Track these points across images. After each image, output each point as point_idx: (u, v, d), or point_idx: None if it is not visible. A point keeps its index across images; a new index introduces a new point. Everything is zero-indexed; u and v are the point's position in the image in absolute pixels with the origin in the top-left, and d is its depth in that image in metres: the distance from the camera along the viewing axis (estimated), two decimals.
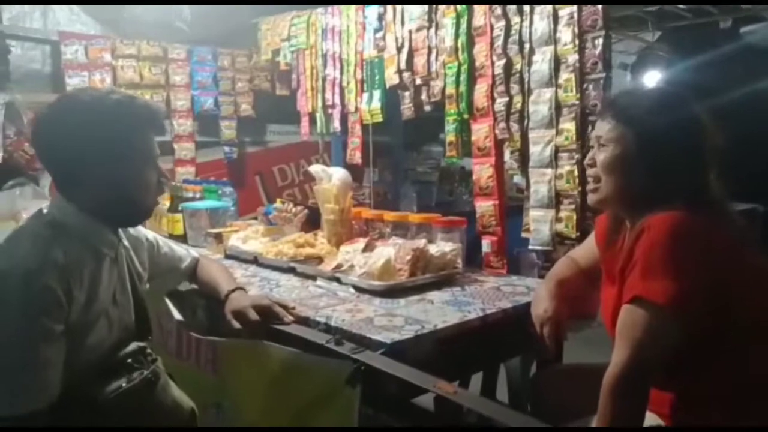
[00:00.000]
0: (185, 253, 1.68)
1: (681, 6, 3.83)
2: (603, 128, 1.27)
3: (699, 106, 1.24)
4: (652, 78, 5.02)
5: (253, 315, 1.45)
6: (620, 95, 1.37)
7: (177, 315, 1.70)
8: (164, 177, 1.33)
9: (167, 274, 1.62)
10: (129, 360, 1.26)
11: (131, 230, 1.45)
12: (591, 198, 1.33)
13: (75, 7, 3.40)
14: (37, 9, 3.28)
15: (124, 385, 1.20)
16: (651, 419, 1.21)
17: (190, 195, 2.77)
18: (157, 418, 1.29)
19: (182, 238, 2.48)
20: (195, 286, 1.71)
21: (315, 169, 2.29)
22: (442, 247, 1.89)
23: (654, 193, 1.19)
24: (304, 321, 1.48)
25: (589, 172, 1.31)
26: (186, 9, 3.73)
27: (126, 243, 1.39)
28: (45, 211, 1.23)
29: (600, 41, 1.82)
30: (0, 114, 2.83)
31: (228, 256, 2.28)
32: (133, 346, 1.30)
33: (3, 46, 3.09)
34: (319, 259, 2.03)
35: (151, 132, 1.29)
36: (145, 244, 1.51)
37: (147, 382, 1.24)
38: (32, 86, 3.17)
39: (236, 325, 1.45)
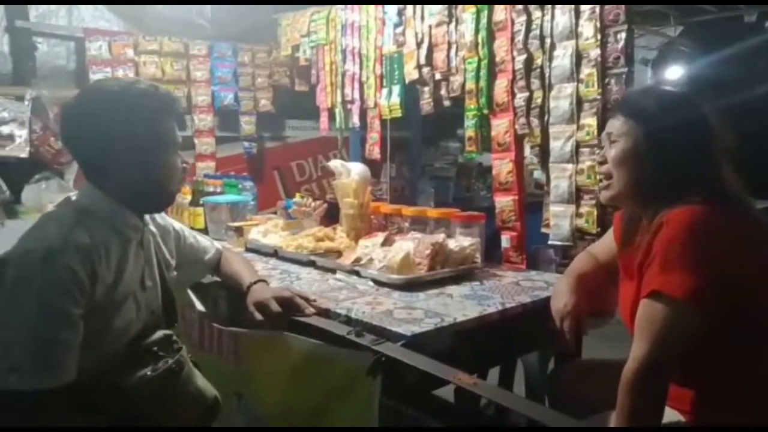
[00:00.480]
0: (209, 244, 1.71)
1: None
2: (613, 125, 1.29)
3: (708, 100, 1.24)
4: (674, 73, 4.94)
5: (275, 306, 1.46)
6: (629, 93, 1.40)
7: (199, 306, 1.73)
8: (185, 163, 1.37)
9: (193, 265, 1.65)
10: (155, 348, 1.28)
11: (159, 219, 1.48)
12: (603, 195, 1.33)
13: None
14: (62, 6, 3.34)
15: (149, 373, 1.23)
16: (671, 415, 1.21)
17: (211, 189, 2.81)
18: (179, 406, 1.32)
19: (203, 232, 2.52)
20: (217, 278, 1.74)
21: (334, 163, 2.31)
22: (461, 241, 1.90)
23: (667, 187, 1.19)
24: (324, 313, 1.50)
25: (601, 169, 1.32)
26: (207, 5, 3.76)
27: (153, 229, 1.42)
28: (73, 198, 1.27)
29: (622, 35, 1.81)
30: (27, 109, 2.88)
31: (248, 250, 2.31)
32: (159, 334, 1.33)
33: (30, 43, 3.16)
34: (339, 253, 2.05)
35: (174, 120, 1.32)
36: (172, 234, 1.54)
37: (171, 370, 1.27)
38: (58, 82, 3.24)
39: (258, 316, 1.48)
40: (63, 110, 1.31)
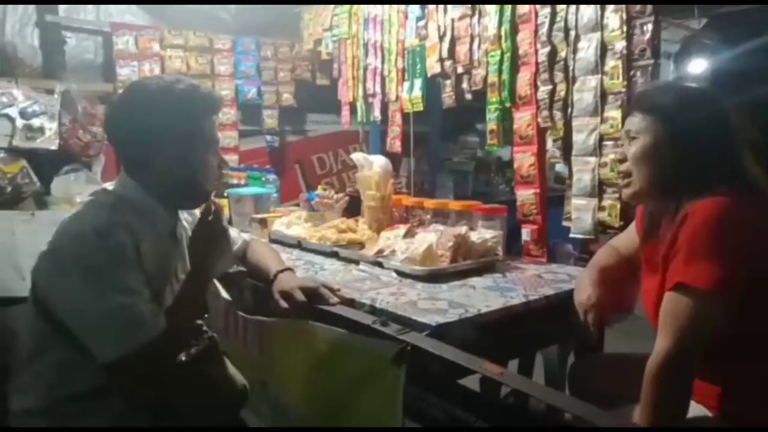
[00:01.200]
0: (236, 236, 1.74)
1: None
2: (632, 122, 1.29)
3: (732, 93, 1.25)
4: (697, 66, 4.86)
5: (300, 296, 1.49)
6: (645, 90, 1.44)
7: (225, 295, 1.77)
8: (223, 163, 1.40)
9: (221, 257, 1.68)
10: None
11: (188, 214, 1.51)
12: (625, 193, 1.34)
13: None
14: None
15: (182, 358, 1.26)
16: (697, 410, 1.20)
17: (235, 182, 2.85)
18: (210, 391, 1.35)
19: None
20: (242, 268, 1.77)
21: (357, 156, 2.33)
22: (483, 234, 1.91)
23: (689, 181, 1.19)
24: (349, 303, 1.52)
25: (621, 168, 1.32)
26: None
27: (185, 224, 1.45)
28: (110, 187, 1.32)
29: (649, 27, 1.79)
30: (56, 102, 2.94)
31: (272, 241, 2.34)
32: None
33: (59, 38, 3.22)
34: (361, 245, 2.08)
35: (213, 118, 1.35)
36: None
37: (204, 356, 1.30)
38: (86, 76, 3.30)
39: (283, 304, 1.50)
40: (107, 106, 1.36)
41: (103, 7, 3.44)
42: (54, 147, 2.89)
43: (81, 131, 2.97)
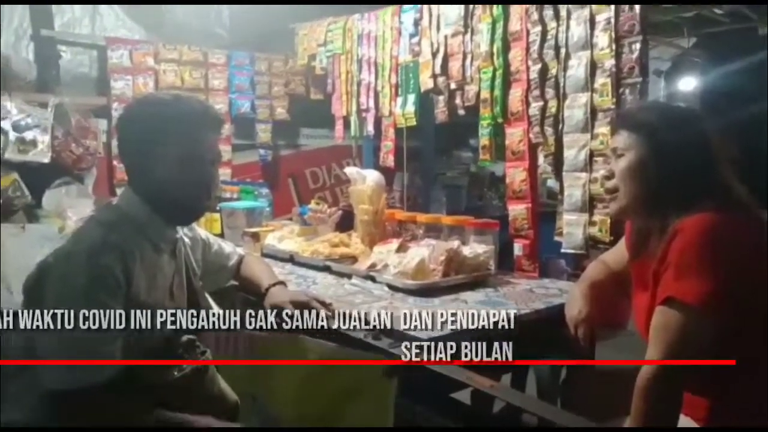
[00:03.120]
0: (232, 251, 1.74)
1: (718, 11, 3.77)
2: (618, 140, 1.30)
3: (720, 111, 1.28)
4: (687, 84, 4.95)
5: (292, 310, 1.49)
6: (631, 108, 1.49)
7: (217, 309, 1.76)
8: (217, 179, 1.40)
9: (217, 273, 1.67)
10: (180, 350, 1.32)
11: (187, 230, 1.52)
12: (612, 208, 1.35)
13: (121, 12, 3.53)
14: (86, 15, 3.41)
15: (176, 373, 1.26)
16: (685, 423, 1.21)
17: (228, 195, 2.86)
18: (204, 407, 1.34)
19: (219, 237, 2.55)
20: (235, 282, 1.77)
21: (350, 171, 2.35)
22: (476, 248, 1.92)
23: (674, 197, 1.20)
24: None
25: (608, 184, 1.34)
26: (226, 15, 3.83)
27: (186, 240, 1.46)
28: (114, 202, 1.33)
29: (637, 46, 1.83)
30: (50, 116, 2.94)
31: (264, 255, 2.33)
32: (183, 338, 1.35)
33: (54, 52, 3.23)
34: (354, 259, 2.08)
35: (209, 135, 1.35)
36: (200, 243, 1.58)
37: (197, 371, 1.30)
38: (80, 89, 3.30)
39: None
40: (118, 118, 1.38)
41: (98, 21, 3.45)
42: (46, 160, 2.90)
43: (74, 144, 2.98)
